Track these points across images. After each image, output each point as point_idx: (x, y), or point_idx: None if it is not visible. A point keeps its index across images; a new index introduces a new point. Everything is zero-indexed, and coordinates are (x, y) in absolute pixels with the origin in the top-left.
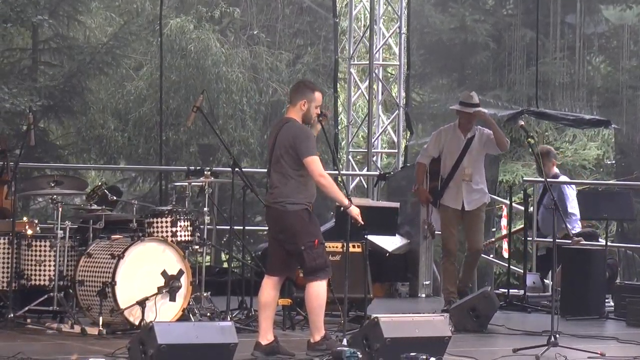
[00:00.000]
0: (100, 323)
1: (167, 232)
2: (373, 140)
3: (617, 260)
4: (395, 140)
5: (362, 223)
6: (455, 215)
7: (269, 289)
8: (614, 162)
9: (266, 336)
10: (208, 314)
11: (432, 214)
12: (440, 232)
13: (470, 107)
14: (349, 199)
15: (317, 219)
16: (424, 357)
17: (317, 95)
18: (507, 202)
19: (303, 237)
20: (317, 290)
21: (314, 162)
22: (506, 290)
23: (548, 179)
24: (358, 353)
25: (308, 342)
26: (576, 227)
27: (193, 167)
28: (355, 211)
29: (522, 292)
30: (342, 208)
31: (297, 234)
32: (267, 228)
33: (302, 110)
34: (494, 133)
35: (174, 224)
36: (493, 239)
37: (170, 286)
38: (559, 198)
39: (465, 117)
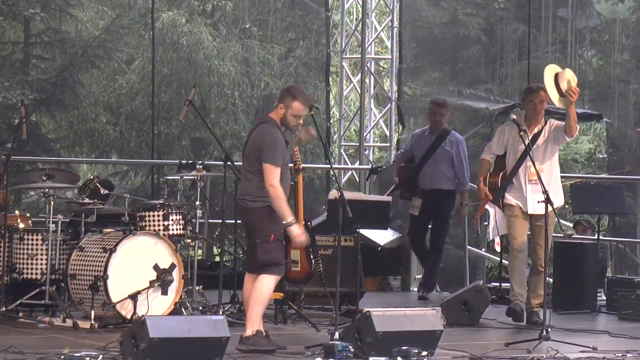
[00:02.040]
0: (92, 317)
1: (159, 225)
2: (365, 133)
3: (609, 254)
4: (388, 133)
5: (302, 244)
6: (522, 212)
7: (249, 285)
8: (606, 156)
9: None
10: (200, 308)
11: (497, 215)
12: (503, 234)
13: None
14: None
15: (279, 218)
16: (416, 351)
17: (296, 104)
18: None
19: (260, 232)
20: (263, 285)
21: (269, 171)
22: (498, 284)
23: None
24: (350, 347)
25: (240, 336)
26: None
27: (185, 161)
28: (295, 232)
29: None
30: (284, 222)
31: (256, 228)
32: None
33: (279, 114)
34: (569, 113)
35: (166, 217)
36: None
37: (162, 280)
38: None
39: (531, 107)
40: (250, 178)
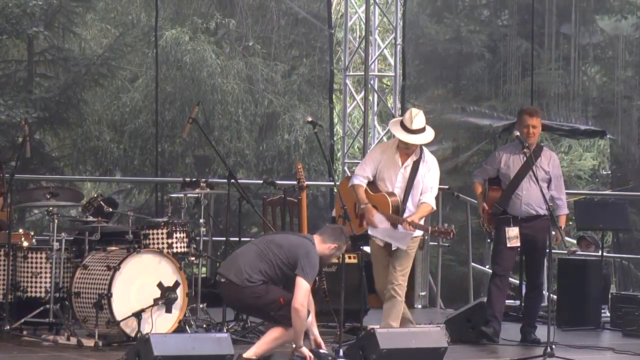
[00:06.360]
0: (97, 335)
1: (163, 243)
2: (369, 151)
3: (613, 270)
4: None
5: None
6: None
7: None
8: (609, 172)
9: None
10: (204, 326)
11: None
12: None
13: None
14: None
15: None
16: None
17: (346, 247)
18: None
19: (270, 304)
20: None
21: (305, 288)
22: None
23: None
24: None
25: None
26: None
27: (189, 179)
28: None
29: (518, 302)
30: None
31: (262, 304)
32: None
33: (325, 249)
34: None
35: (169, 235)
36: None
37: (166, 298)
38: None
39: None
40: (269, 263)
